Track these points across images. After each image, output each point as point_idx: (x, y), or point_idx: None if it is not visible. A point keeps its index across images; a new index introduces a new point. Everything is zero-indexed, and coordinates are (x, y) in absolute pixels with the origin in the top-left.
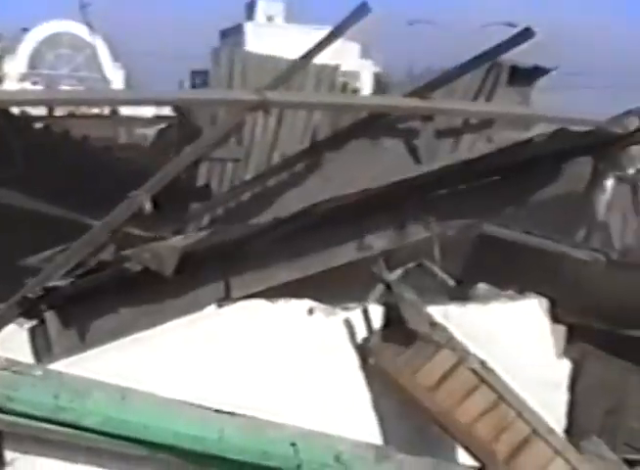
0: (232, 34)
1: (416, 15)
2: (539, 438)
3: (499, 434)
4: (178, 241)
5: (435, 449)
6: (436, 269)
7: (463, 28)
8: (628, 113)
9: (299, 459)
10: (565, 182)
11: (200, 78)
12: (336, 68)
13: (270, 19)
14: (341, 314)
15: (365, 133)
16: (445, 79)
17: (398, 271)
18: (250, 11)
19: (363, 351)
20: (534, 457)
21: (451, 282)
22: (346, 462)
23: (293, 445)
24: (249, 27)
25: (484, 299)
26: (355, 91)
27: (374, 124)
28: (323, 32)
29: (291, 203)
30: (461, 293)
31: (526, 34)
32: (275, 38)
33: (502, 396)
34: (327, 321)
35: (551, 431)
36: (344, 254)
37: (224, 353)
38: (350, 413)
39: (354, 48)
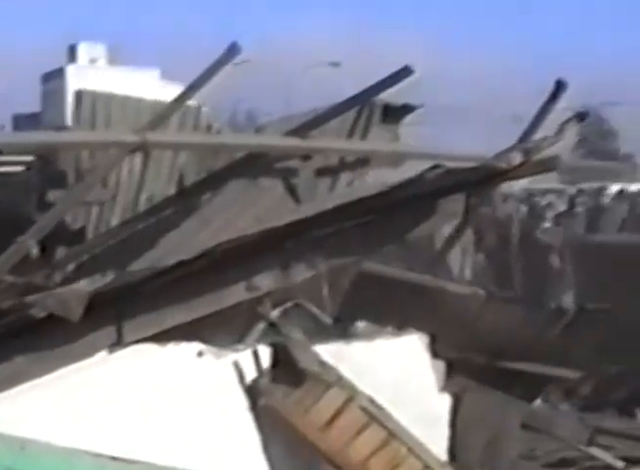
0: (54, 78)
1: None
2: None
3: None
4: (82, 286)
5: None
6: (313, 308)
7: (287, 68)
8: (512, 148)
9: None
10: (439, 218)
11: (25, 122)
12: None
13: (93, 61)
14: (230, 356)
15: (242, 173)
16: (325, 118)
17: (276, 311)
18: (72, 54)
19: (253, 392)
20: None
21: (328, 320)
22: None
23: None
24: (70, 70)
25: (368, 336)
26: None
27: (252, 164)
28: (147, 74)
29: (170, 245)
30: (339, 331)
31: (405, 72)
32: (97, 80)
33: (393, 432)
34: (217, 363)
35: (443, 465)
36: (233, 295)
37: (117, 399)
38: (242, 455)
39: (176, 87)
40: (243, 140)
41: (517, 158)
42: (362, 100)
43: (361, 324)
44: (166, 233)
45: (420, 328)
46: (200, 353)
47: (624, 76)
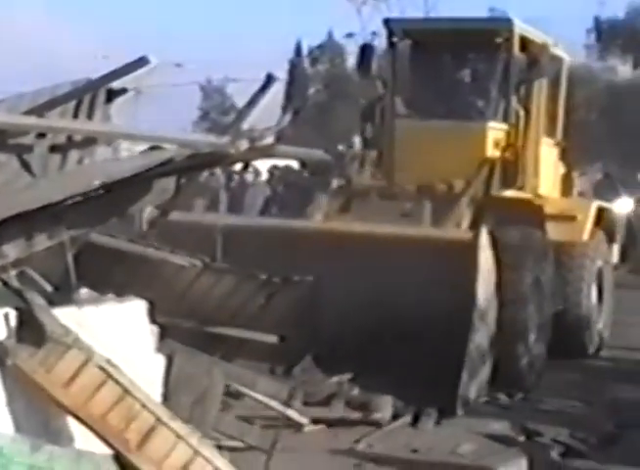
0: None
1: None
2: (163, 425)
3: (129, 423)
4: None
5: (72, 441)
6: (36, 276)
7: None
8: (237, 135)
9: None
10: (154, 195)
11: None
12: None
13: None
14: None
15: None
16: (62, 99)
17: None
18: None
19: (1, 352)
20: (161, 442)
21: (49, 287)
22: (7, 455)
23: None
24: None
25: (96, 301)
26: None
27: None
28: None
29: None
30: (61, 298)
31: (142, 62)
32: None
33: (127, 389)
34: None
35: (172, 418)
36: None
37: None
38: None
39: None
40: None
41: (244, 144)
42: (99, 85)
43: (84, 291)
44: None
45: (140, 295)
46: None
47: (241, 55)
